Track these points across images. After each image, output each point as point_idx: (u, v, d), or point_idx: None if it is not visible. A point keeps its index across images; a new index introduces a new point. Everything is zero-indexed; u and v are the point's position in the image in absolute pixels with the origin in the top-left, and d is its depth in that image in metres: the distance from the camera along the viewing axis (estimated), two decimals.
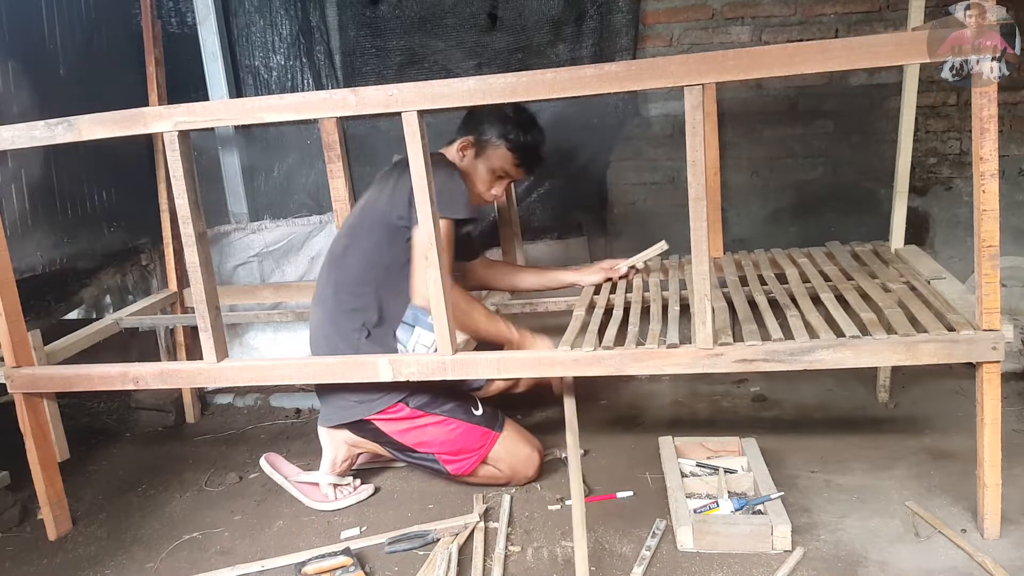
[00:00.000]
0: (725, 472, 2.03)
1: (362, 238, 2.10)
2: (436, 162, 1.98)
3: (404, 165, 2.01)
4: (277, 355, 3.09)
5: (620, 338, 1.95)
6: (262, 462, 2.30)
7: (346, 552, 1.86)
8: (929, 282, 2.07)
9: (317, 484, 2.21)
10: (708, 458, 2.13)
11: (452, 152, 2.17)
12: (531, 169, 2.20)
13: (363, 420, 2.12)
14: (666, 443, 2.17)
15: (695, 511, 1.89)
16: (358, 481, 2.25)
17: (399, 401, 2.08)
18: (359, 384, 2.06)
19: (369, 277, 2.08)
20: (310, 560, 1.87)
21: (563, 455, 2.30)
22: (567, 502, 2.07)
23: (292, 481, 2.24)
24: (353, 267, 2.10)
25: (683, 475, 2.04)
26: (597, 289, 2.40)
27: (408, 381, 1.97)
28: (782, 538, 1.77)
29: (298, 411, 2.95)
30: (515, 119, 2.11)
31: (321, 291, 2.18)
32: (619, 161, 3.07)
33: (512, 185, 2.50)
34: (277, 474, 2.26)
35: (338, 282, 2.12)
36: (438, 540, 1.92)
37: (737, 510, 1.88)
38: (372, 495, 2.22)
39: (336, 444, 2.21)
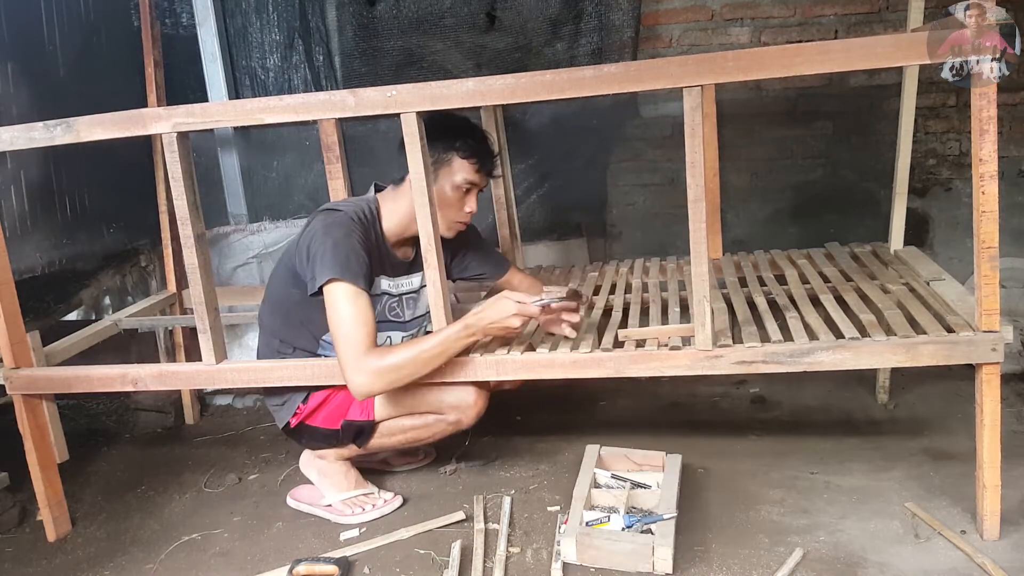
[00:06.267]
0: (634, 487, 1.99)
1: (278, 270, 2.15)
2: (329, 222, 1.94)
3: (320, 215, 1.99)
4: None
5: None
6: (289, 501, 2.25)
7: (339, 562, 1.85)
8: (928, 283, 2.07)
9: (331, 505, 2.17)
10: (628, 471, 2.07)
11: (399, 192, 2.05)
12: (491, 169, 2.09)
13: (294, 429, 2.15)
14: (591, 452, 2.12)
15: (586, 523, 1.85)
16: (389, 494, 2.19)
17: (300, 403, 2.11)
18: (280, 390, 2.12)
19: (276, 308, 2.13)
20: (305, 560, 1.87)
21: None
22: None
23: (318, 506, 2.20)
24: (270, 294, 2.16)
25: (596, 486, 2.01)
26: (596, 290, 2.40)
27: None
28: (663, 560, 1.72)
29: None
30: (453, 127, 1.99)
31: (262, 302, 2.23)
32: (618, 162, 3.07)
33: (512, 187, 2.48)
34: (304, 504, 2.22)
35: (263, 301, 2.19)
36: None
37: (627, 527, 1.83)
38: (402, 506, 2.17)
39: (318, 466, 2.21)
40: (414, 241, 2.08)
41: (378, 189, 2.13)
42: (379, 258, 2.01)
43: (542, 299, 1.88)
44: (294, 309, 2.07)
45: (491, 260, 2.34)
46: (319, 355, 2.10)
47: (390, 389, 1.93)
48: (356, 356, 1.85)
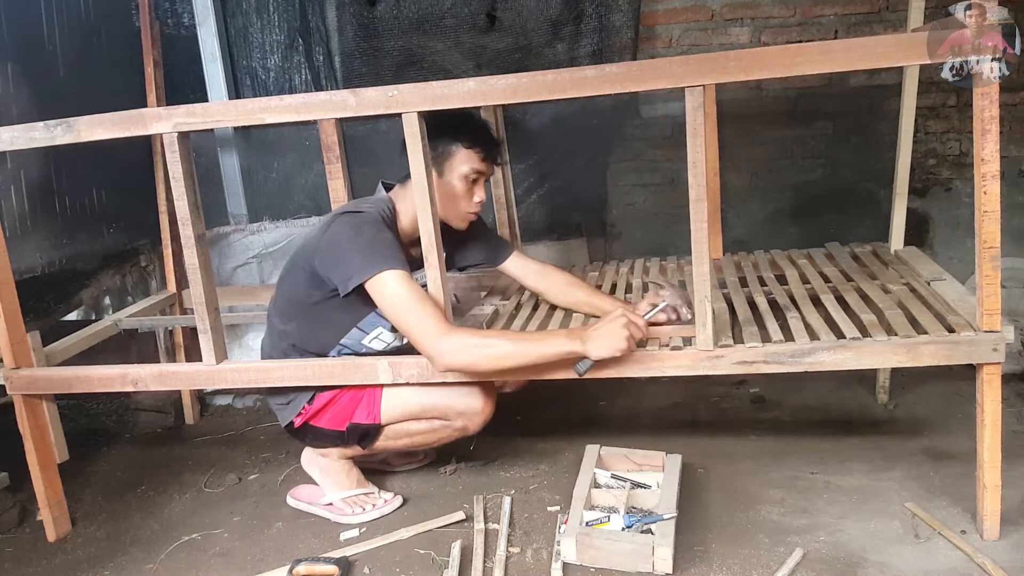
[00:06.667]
0: (634, 487, 1.98)
1: (293, 272, 2.08)
2: (358, 222, 1.92)
3: (343, 217, 1.96)
4: None
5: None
6: (289, 500, 2.25)
7: (339, 562, 1.85)
8: (929, 283, 2.07)
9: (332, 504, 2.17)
10: (628, 471, 2.07)
11: (407, 191, 2.00)
12: (496, 157, 2.09)
13: (298, 428, 2.13)
14: (591, 452, 2.11)
15: (586, 523, 1.85)
16: (390, 494, 2.19)
17: (305, 403, 2.09)
18: (285, 389, 2.09)
19: (290, 310, 2.08)
20: (305, 560, 1.87)
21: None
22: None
23: (318, 504, 2.19)
24: (283, 295, 2.11)
25: (596, 486, 2.00)
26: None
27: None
28: (663, 560, 1.72)
29: None
30: (452, 120, 1.96)
31: (271, 303, 2.19)
32: (619, 162, 3.07)
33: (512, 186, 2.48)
34: (304, 504, 2.21)
35: (274, 302, 2.15)
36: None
37: (627, 527, 1.83)
38: (402, 505, 2.17)
39: (319, 464, 2.21)
40: None
41: (387, 188, 2.11)
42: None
43: (646, 314, 1.88)
44: (314, 310, 2.03)
45: (493, 246, 2.30)
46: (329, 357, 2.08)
47: (472, 370, 1.87)
48: (438, 329, 1.81)
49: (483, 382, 2.01)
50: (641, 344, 1.87)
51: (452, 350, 1.82)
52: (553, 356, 1.81)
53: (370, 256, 1.86)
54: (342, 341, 2.06)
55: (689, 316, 1.90)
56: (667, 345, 1.87)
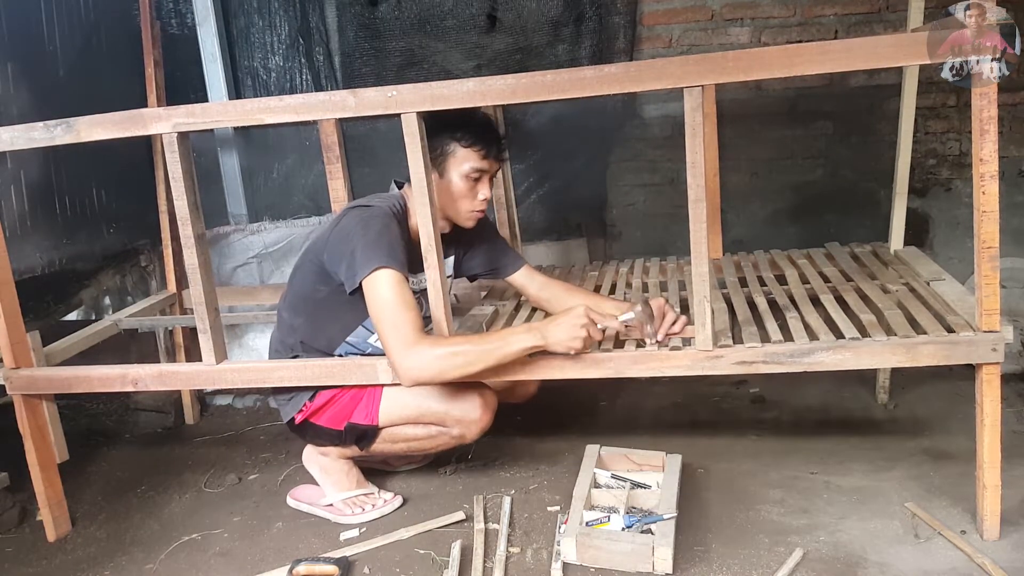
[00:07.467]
0: (634, 487, 1.99)
1: (304, 266, 2.09)
2: (367, 216, 1.92)
3: (353, 211, 1.95)
4: None
5: (619, 340, 1.96)
6: (289, 500, 2.25)
7: (339, 562, 1.85)
8: (929, 283, 2.07)
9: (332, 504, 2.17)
10: (628, 471, 2.07)
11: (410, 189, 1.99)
12: (498, 152, 2.04)
13: (298, 424, 2.13)
14: (591, 452, 2.12)
15: (587, 523, 1.85)
16: (390, 494, 2.19)
17: (306, 400, 2.09)
18: (285, 387, 2.09)
19: (299, 305, 2.09)
20: (305, 560, 1.87)
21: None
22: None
23: (318, 505, 2.19)
24: (293, 289, 2.12)
25: (596, 486, 2.00)
26: (596, 290, 2.40)
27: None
28: (662, 560, 1.72)
29: None
30: (452, 118, 1.90)
31: (282, 297, 2.20)
32: (618, 162, 3.07)
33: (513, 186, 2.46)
34: (304, 504, 2.21)
35: (284, 297, 2.15)
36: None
37: (627, 527, 1.83)
38: (402, 505, 2.17)
39: (320, 463, 2.21)
40: None
41: (399, 186, 2.10)
42: (408, 254, 1.97)
43: (616, 318, 1.87)
44: (321, 306, 2.04)
45: (504, 257, 2.27)
46: (335, 355, 2.08)
47: (439, 380, 1.88)
48: (407, 341, 1.81)
49: (483, 391, 2.02)
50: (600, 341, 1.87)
51: (417, 365, 1.81)
52: (518, 352, 1.82)
53: (373, 251, 1.85)
54: (348, 339, 2.07)
55: (654, 338, 1.89)
56: (667, 345, 1.87)
